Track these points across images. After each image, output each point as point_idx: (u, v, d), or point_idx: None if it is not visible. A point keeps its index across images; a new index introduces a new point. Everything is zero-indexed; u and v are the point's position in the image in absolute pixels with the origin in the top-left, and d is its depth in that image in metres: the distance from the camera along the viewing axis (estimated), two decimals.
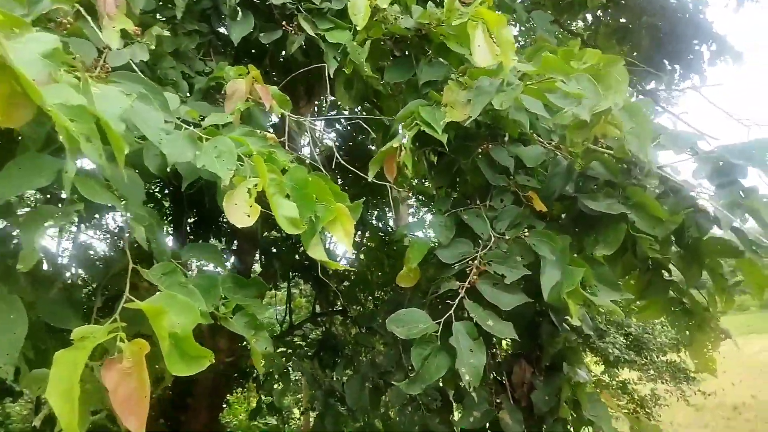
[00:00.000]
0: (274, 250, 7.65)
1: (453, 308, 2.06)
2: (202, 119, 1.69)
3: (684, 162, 2.48)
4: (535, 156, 2.35)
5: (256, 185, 1.39)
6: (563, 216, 2.58)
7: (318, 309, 8.03)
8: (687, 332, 2.60)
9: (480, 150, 2.32)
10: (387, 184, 2.14)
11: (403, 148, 1.91)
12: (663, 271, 2.61)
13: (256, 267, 8.30)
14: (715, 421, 19.32)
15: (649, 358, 11.76)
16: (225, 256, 8.30)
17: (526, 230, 2.13)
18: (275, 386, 6.96)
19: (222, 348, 8.19)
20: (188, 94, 2.12)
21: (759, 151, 2.21)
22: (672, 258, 2.62)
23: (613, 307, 2.08)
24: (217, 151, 1.42)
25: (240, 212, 1.33)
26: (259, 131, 1.66)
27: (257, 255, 8.14)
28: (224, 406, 8.77)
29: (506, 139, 2.50)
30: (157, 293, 1.26)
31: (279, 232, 8.48)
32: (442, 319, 2.04)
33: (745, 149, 2.28)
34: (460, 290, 2.11)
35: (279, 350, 8.16)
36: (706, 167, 2.33)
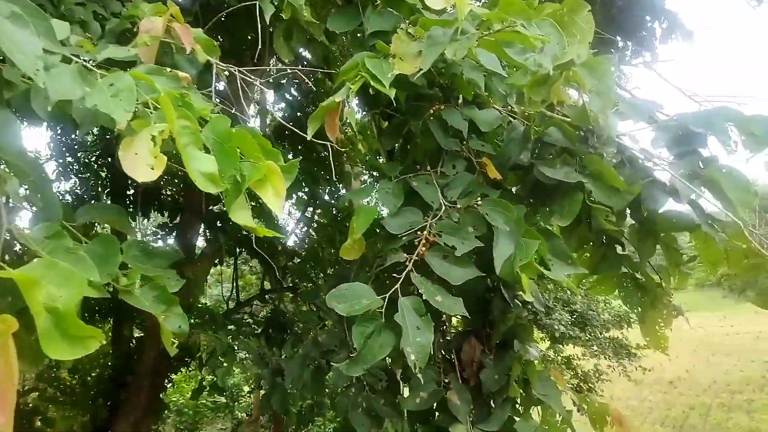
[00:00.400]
0: (220, 224, 7.34)
1: (399, 282, 1.89)
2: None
3: (642, 131, 2.37)
4: (490, 120, 2.19)
5: (162, 132, 1.16)
6: (519, 185, 2.45)
7: (267, 286, 7.81)
8: (639, 309, 2.52)
9: (432, 111, 2.14)
10: (342, 156, 1.96)
11: (346, 103, 1.71)
12: (617, 245, 2.52)
13: (201, 242, 7.98)
14: (653, 394, 20.17)
15: (593, 334, 12.05)
16: (167, 231, 7.97)
17: (479, 199, 1.98)
18: (218, 365, 6.73)
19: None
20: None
21: (719, 118, 2.11)
22: (626, 231, 2.53)
23: (568, 282, 1.95)
24: (114, 89, 1.19)
25: (141, 164, 1.11)
26: (169, 69, 1.42)
27: (202, 228, 7.81)
28: (168, 384, 8.48)
29: (460, 101, 2.33)
30: (35, 259, 1.03)
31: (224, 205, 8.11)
32: (387, 295, 1.86)
33: (705, 117, 2.18)
34: (407, 263, 1.94)
35: (226, 328, 7.90)
36: (665, 136, 2.23)
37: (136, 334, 8.34)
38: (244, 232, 7.40)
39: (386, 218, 2.01)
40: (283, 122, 1.97)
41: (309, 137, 1.75)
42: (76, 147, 8.21)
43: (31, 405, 8.15)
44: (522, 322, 2.61)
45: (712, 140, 2.18)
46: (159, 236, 8.19)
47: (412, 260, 1.93)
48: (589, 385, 12.58)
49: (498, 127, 2.21)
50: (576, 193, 2.07)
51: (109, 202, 8.84)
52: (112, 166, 7.32)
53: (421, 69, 1.70)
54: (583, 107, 2.19)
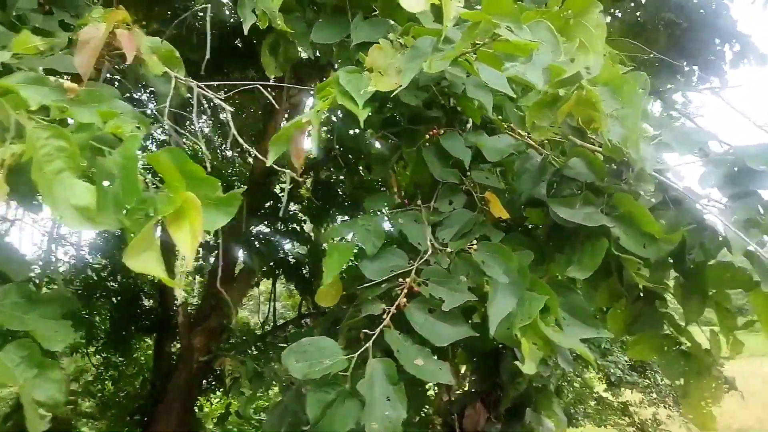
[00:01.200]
0: (258, 245, 7.22)
1: (372, 340, 1.57)
2: None
3: (690, 165, 1.97)
4: (500, 148, 1.84)
5: (14, 154, 0.91)
6: (535, 227, 2.08)
7: (303, 310, 7.60)
8: (682, 379, 2.08)
9: (429, 136, 1.82)
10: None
11: (312, 124, 1.42)
12: (657, 301, 2.10)
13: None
14: None
15: (652, 380, 11.14)
16: (207, 250, 7.92)
17: (474, 242, 1.63)
18: (242, 392, 6.53)
19: (197, 346, 7.75)
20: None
21: None
22: (669, 286, 2.11)
23: (583, 351, 1.57)
24: None
25: None
26: (54, 78, 1.17)
27: (241, 250, 7.70)
28: (195, 409, 8.36)
29: (469, 126, 2.00)
30: None
31: (268, 226, 8.02)
32: (356, 354, 1.54)
33: (766, 151, 1.77)
34: (384, 316, 1.61)
35: (255, 352, 7.73)
36: (717, 173, 1.83)
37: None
38: (281, 254, 7.25)
39: (364, 261, 1.69)
40: (244, 144, 1.68)
41: (269, 163, 1.47)
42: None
43: (63, 417, 8.20)
44: (539, 386, 2.22)
45: None
46: (200, 255, 8.17)
47: (390, 313, 1.60)
48: None
49: (510, 157, 1.86)
50: (599, 240, 1.69)
51: None
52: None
53: (399, 86, 1.39)
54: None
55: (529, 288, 1.63)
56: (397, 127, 1.87)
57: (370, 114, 1.45)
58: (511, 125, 1.95)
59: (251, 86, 1.81)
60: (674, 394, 10.99)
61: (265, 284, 8.82)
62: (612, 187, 1.80)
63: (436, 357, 1.63)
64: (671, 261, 1.96)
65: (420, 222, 1.74)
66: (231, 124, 1.56)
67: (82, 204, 0.96)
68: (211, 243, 8.48)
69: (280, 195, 7.71)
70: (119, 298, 8.68)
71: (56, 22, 1.80)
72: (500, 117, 1.95)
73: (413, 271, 1.65)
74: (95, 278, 8.00)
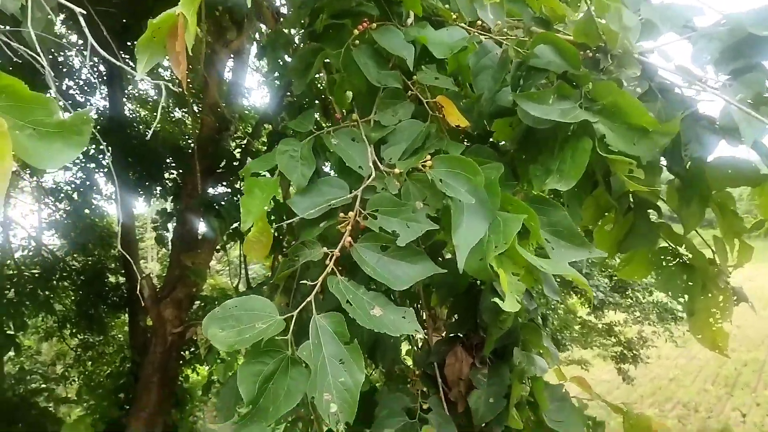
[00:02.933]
0: (216, 207, 6.89)
1: (313, 293, 1.25)
2: None
3: (677, 45, 1.65)
4: (450, 41, 1.49)
5: None
6: (503, 144, 1.76)
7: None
8: (686, 296, 1.82)
9: (357, 32, 1.46)
10: None
11: (184, 17, 1.05)
12: (650, 210, 1.82)
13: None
14: (702, 352, 19.12)
15: (634, 299, 11.21)
16: (166, 218, 7.50)
17: (428, 158, 1.30)
18: (221, 359, 6.30)
19: (168, 318, 7.42)
20: None
21: None
22: (663, 190, 1.83)
23: (576, 277, 1.28)
24: None
25: None
26: None
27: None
28: (179, 380, 8.13)
29: (410, 20, 1.64)
30: None
31: (227, 187, 7.63)
32: (295, 312, 1.23)
33: None
34: (327, 261, 1.29)
35: None
36: (712, 47, 1.51)
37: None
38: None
39: (294, 196, 1.35)
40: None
41: (139, 74, 1.11)
42: None
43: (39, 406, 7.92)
44: (525, 321, 1.95)
45: None
46: (158, 223, 7.76)
47: (333, 256, 1.28)
48: (634, 352, 11.81)
49: (463, 51, 1.51)
50: (581, 140, 1.38)
51: (112, 188, 8.50)
52: (119, 152, 6.89)
53: None
54: (589, 17, 1.49)
55: (503, 207, 1.32)
56: (318, 22, 1.49)
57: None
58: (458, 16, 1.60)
59: None
60: (658, 310, 11.11)
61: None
62: (588, 77, 1.47)
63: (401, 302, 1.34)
64: (664, 160, 1.67)
65: (359, 140, 1.40)
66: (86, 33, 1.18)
67: None
68: (168, 210, 8.08)
69: (234, 151, 7.28)
70: (82, 277, 8.29)
71: None
72: (447, 6, 1.59)
73: (357, 202, 1.32)
74: (52, 259, 7.57)
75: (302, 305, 1.23)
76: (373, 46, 1.43)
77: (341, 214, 1.31)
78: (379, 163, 1.37)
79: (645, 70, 1.60)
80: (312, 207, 1.32)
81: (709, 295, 1.79)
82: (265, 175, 1.43)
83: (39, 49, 1.24)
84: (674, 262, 1.84)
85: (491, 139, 1.84)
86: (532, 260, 1.25)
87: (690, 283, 1.80)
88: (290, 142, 1.40)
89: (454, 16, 1.61)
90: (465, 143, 1.63)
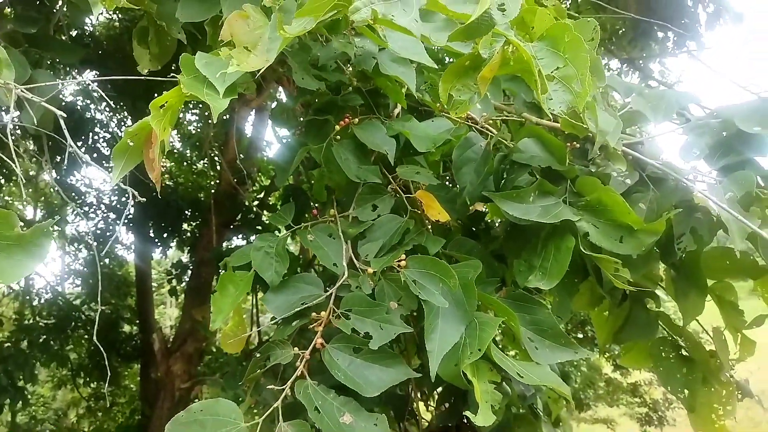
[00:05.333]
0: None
1: (281, 398, 1.21)
2: None
3: (669, 137, 1.63)
4: (433, 135, 1.48)
5: None
6: (492, 227, 1.73)
7: None
8: (686, 390, 1.73)
9: (338, 128, 1.46)
10: None
11: (158, 126, 1.06)
12: (647, 299, 1.76)
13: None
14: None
15: None
16: (181, 270, 7.51)
17: (403, 257, 1.27)
18: None
19: (177, 373, 7.36)
20: None
21: None
22: (659, 280, 1.77)
23: (557, 386, 1.22)
24: None
25: None
26: None
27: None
28: None
29: (397, 111, 1.64)
30: None
31: (243, 239, 7.66)
32: (261, 419, 1.19)
33: (760, 109, 1.43)
34: (298, 363, 1.25)
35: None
36: (701, 142, 1.48)
37: None
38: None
39: (268, 294, 1.33)
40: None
41: (114, 183, 1.11)
42: (96, 189, 8.03)
43: None
44: (520, 411, 1.87)
45: None
46: (173, 276, 7.80)
47: (304, 359, 1.24)
48: (659, 413, 11.34)
49: (447, 144, 1.50)
50: (564, 238, 1.34)
51: (131, 238, 8.61)
52: (139, 204, 6.99)
53: (267, 62, 1.03)
54: (573, 111, 1.47)
55: (483, 307, 1.28)
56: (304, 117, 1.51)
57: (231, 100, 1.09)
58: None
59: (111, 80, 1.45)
60: None
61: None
62: (574, 170, 1.45)
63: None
64: (657, 252, 1.62)
65: (335, 237, 1.38)
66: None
67: None
68: (184, 262, 8.13)
69: (251, 205, 7.35)
70: (97, 327, 8.32)
71: None
72: (434, 99, 1.59)
73: (330, 301, 1.29)
74: (67, 309, 7.62)
75: (266, 414, 1.19)
76: (355, 140, 1.43)
77: (314, 314, 1.28)
78: (355, 260, 1.35)
79: (635, 160, 1.57)
80: (285, 305, 1.30)
81: (711, 389, 1.70)
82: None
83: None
84: (674, 354, 1.76)
85: (480, 224, 1.81)
86: (507, 368, 1.20)
87: (690, 377, 1.71)
88: (266, 238, 1.39)
89: (440, 107, 1.61)
90: (447, 230, 1.60)
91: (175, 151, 9.52)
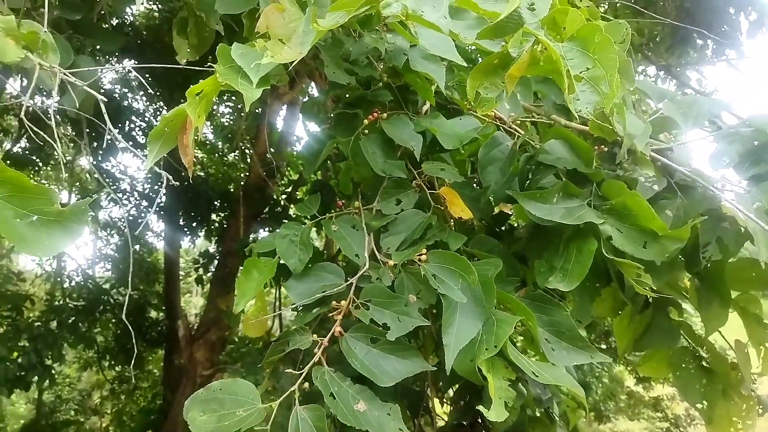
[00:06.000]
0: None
1: (299, 381, 1.24)
2: None
3: (700, 143, 1.61)
4: (460, 132, 1.50)
5: None
6: (516, 227, 1.74)
7: None
8: (704, 401, 1.71)
9: (367, 122, 1.48)
10: None
11: (194, 113, 1.10)
12: (669, 308, 1.74)
13: None
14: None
15: None
16: (207, 259, 7.63)
17: (424, 252, 1.29)
18: None
19: (200, 360, 7.48)
20: None
21: None
22: (683, 289, 1.75)
23: (572, 388, 1.23)
24: None
25: None
26: None
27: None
28: None
29: (425, 108, 1.66)
30: None
31: (270, 232, 7.75)
32: (278, 401, 1.22)
33: None
34: (316, 350, 1.28)
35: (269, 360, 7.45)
36: (732, 150, 1.46)
37: None
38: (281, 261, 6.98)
39: (290, 281, 1.36)
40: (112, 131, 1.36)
41: (147, 166, 1.15)
42: (130, 176, 8.20)
43: None
44: (535, 414, 1.87)
45: None
46: (200, 265, 7.94)
47: (322, 346, 1.27)
48: (680, 429, 11.13)
49: (473, 142, 1.51)
50: (587, 240, 1.34)
51: (162, 225, 8.78)
52: (169, 194, 7.17)
53: (300, 54, 1.06)
54: (601, 114, 1.47)
55: (500, 306, 1.29)
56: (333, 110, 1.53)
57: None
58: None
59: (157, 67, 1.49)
60: None
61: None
62: (600, 174, 1.44)
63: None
64: (682, 260, 1.60)
65: (359, 228, 1.41)
66: (105, 112, 1.24)
67: None
68: (211, 251, 8.26)
69: (279, 199, 7.44)
70: (125, 311, 8.51)
71: None
72: (462, 97, 1.60)
73: (351, 291, 1.31)
74: (96, 291, 7.80)
75: (283, 397, 1.22)
76: (383, 135, 1.45)
77: (334, 302, 1.31)
78: (377, 252, 1.37)
79: (664, 166, 1.56)
80: (307, 293, 1.33)
81: (731, 402, 1.68)
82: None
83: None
84: (694, 365, 1.74)
85: (504, 224, 1.82)
86: (523, 366, 1.21)
87: (709, 389, 1.69)
88: (292, 227, 1.42)
89: (468, 105, 1.62)
90: (470, 227, 1.61)
91: (208, 142, 9.68)
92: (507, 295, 1.30)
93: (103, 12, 1.96)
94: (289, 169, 8.31)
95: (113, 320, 8.65)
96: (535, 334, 1.29)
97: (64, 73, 1.22)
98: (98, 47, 3.27)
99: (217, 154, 9.44)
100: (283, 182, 7.98)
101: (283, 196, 7.68)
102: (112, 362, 9.08)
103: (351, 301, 1.31)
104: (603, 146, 1.58)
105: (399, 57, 1.42)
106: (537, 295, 1.38)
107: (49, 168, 7.77)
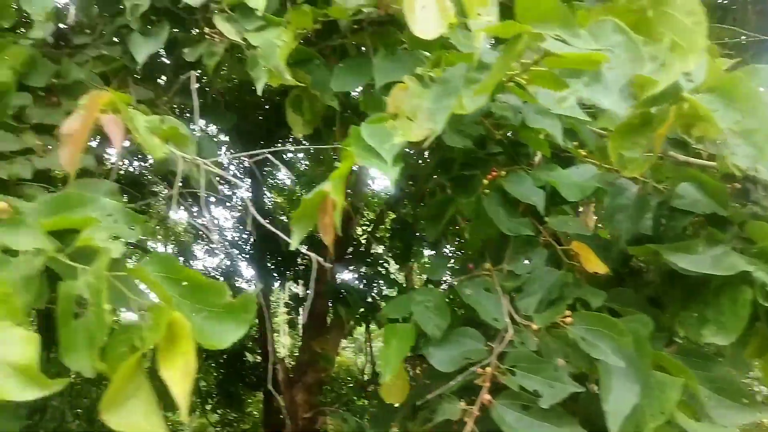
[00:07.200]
0: (341, 295, 7.07)
1: None
2: None
3: None
4: (581, 183, 1.46)
5: None
6: (643, 270, 1.67)
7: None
8: None
9: (487, 181, 1.48)
10: None
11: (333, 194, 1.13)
12: None
13: None
14: None
15: None
16: (297, 303, 7.82)
17: (568, 313, 1.26)
18: None
19: (299, 402, 7.61)
20: None
21: None
22: None
23: None
24: None
25: None
26: None
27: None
28: None
29: (538, 159, 1.64)
30: None
31: (353, 272, 7.85)
32: None
33: None
34: (465, 418, 1.27)
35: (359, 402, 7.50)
36: None
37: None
38: (369, 301, 7.02)
39: (430, 348, 1.36)
40: (269, 226, 1.43)
41: (293, 246, 1.20)
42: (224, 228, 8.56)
43: None
44: None
45: None
46: (291, 308, 8.10)
47: (473, 415, 1.25)
48: None
49: (596, 192, 1.48)
50: (740, 290, 1.27)
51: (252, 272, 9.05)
52: (256, 240, 7.42)
53: (433, 132, 1.08)
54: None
55: (656, 366, 1.24)
56: (450, 173, 1.54)
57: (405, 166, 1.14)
58: (591, 151, 1.57)
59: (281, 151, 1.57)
60: None
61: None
62: (741, 215, 1.37)
63: None
64: None
65: (492, 291, 1.39)
66: (249, 205, 1.30)
67: (22, 362, 0.73)
68: (300, 295, 8.42)
69: (360, 238, 7.53)
70: (225, 356, 8.78)
71: (63, 114, 1.65)
72: (575, 143, 1.58)
73: (494, 357, 1.30)
74: None
75: None
76: (503, 193, 1.45)
77: (478, 369, 1.29)
78: (514, 315, 1.35)
79: None
80: (449, 361, 1.32)
81: None
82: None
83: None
84: None
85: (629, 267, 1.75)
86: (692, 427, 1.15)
87: None
88: (424, 292, 1.43)
89: (583, 153, 1.59)
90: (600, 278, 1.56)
91: (285, 188, 9.97)
92: (661, 354, 1.25)
93: (214, 96, 2.09)
94: (365, 208, 8.42)
95: (213, 365, 8.92)
96: (696, 394, 1.23)
97: (206, 163, 1.31)
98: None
99: (294, 198, 9.71)
100: (363, 221, 8.08)
101: (363, 236, 7.76)
102: (215, 404, 9.33)
103: (495, 367, 1.29)
104: (736, 183, 1.50)
105: (514, 115, 1.42)
106: (691, 350, 1.31)
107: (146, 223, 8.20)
